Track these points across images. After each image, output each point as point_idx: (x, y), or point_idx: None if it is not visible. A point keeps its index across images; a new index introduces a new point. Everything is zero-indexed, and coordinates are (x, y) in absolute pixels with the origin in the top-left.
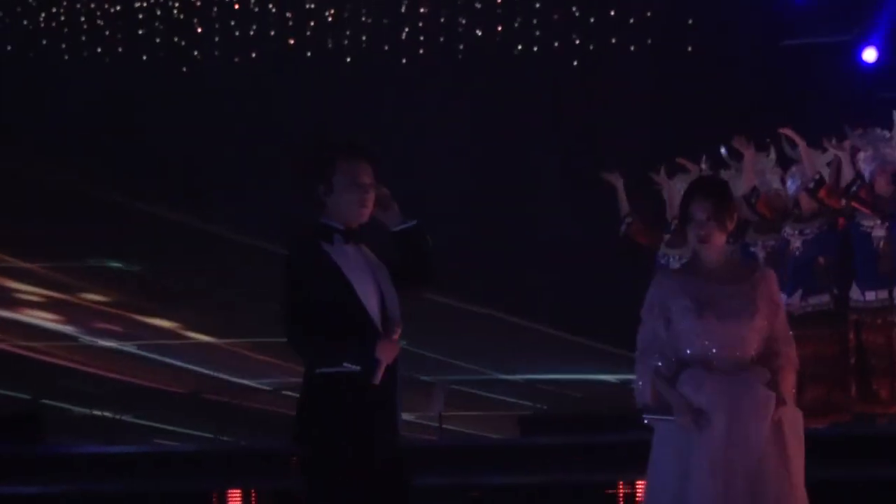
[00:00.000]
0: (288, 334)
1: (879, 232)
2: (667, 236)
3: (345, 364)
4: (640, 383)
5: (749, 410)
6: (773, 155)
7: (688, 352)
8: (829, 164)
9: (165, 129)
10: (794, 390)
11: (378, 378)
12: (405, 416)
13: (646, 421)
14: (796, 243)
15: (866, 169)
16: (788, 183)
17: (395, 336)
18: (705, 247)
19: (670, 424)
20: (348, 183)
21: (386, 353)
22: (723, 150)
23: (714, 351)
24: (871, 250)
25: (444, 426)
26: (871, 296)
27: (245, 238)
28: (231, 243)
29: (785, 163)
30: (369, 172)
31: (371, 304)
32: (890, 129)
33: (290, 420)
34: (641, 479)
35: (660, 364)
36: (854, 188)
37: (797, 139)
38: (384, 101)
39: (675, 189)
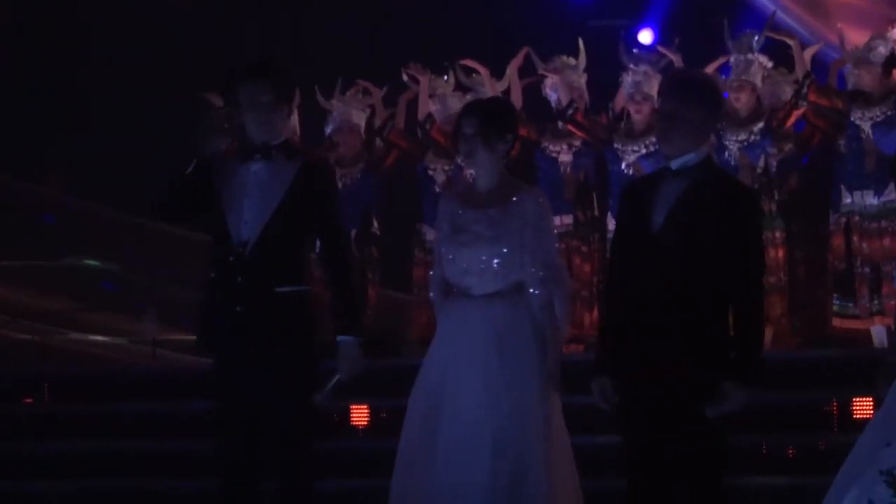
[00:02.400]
0: None
1: (566, 157)
2: None
3: None
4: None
5: (470, 344)
6: (451, 79)
7: (447, 277)
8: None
9: None
10: (560, 316)
11: None
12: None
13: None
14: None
15: (552, 96)
16: None
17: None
18: (472, 165)
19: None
20: (247, 101)
21: None
22: (404, 75)
23: (458, 277)
24: (557, 176)
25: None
26: (555, 221)
27: None
28: None
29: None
30: (266, 90)
31: (233, 222)
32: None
33: None
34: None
35: (438, 296)
36: (569, 112)
37: (479, 68)
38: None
39: None
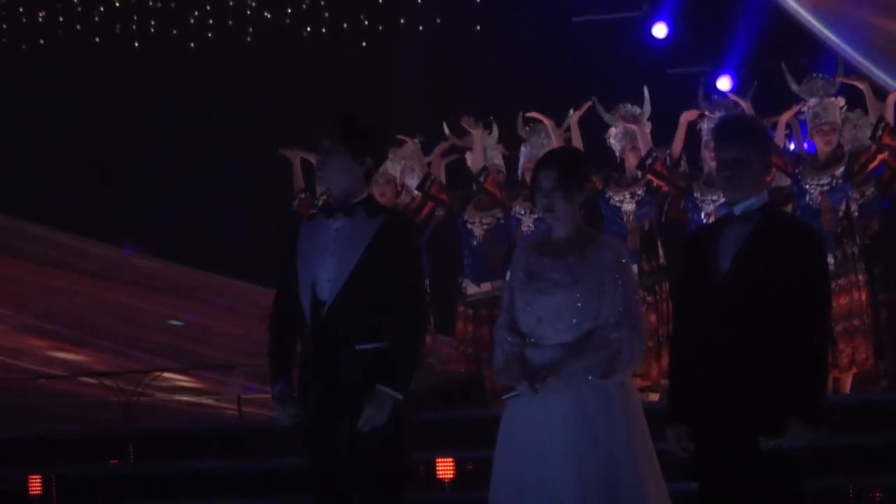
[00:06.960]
0: None
1: (629, 206)
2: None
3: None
4: (496, 359)
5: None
6: (495, 132)
7: (521, 326)
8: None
9: None
10: (625, 365)
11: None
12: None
13: (504, 398)
14: (527, 222)
15: (616, 146)
16: (522, 160)
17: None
18: (550, 217)
19: (516, 400)
20: (319, 155)
21: None
22: (445, 128)
23: (531, 326)
24: (621, 225)
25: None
26: None
27: None
28: None
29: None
30: (327, 136)
31: (305, 285)
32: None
33: None
34: None
35: (509, 339)
36: (649, 161)
37: (544, 119)
38: (173, 86)
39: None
